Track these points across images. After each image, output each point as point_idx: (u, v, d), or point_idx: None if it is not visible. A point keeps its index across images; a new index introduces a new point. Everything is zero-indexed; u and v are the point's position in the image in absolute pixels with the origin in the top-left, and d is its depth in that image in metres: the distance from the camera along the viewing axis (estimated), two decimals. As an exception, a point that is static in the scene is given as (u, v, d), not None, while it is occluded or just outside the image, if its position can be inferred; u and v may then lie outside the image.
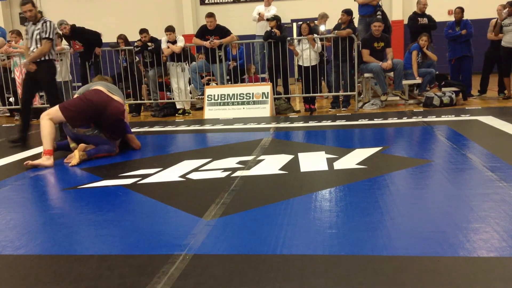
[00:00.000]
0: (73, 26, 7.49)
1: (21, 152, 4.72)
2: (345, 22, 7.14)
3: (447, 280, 1.69)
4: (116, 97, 4.33)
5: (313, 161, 3.66)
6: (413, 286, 1.66)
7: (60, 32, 7.34)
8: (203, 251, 2.04)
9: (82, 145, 4.07)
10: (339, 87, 7.38)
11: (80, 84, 8.01)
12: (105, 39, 7.85)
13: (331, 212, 2.47)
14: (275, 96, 7.21)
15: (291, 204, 2.64)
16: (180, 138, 5.44)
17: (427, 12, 7.83)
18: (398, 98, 7.38)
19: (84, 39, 7.55)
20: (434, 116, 5.78)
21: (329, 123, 5.75)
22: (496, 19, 7.56)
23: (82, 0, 14.13)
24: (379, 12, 7.35)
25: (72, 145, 4.17)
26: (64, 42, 8.21)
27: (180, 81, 7.54)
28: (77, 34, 7.51)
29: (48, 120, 4.09)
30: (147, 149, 4.83)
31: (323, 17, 8.66)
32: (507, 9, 7.16)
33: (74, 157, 3.96)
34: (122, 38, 7.86)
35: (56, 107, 4.15)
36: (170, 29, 7.42)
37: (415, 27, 7.81)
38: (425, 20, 7.73)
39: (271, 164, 3.63)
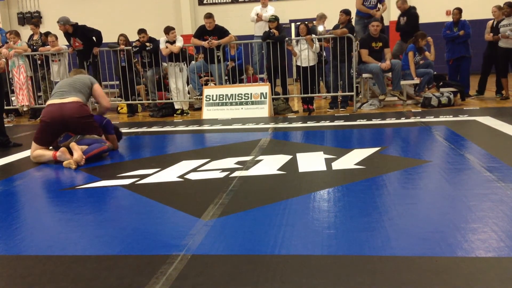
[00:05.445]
0: (75, 24, 7.52)
1: (19, 153, 4.71)
2: (343, 22, 7.15)
3: (445, 280, 1.69)
4: (69, 99, 4.23)
5: (311, 162, 3.66)
6: (412, 286, 1.66)
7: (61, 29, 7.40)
8: (202, 252, 2.04)
9: (77, 153, 4.03)
10: (337, 88, 7.38)
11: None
12: (103, 39, 7.84)
13: (329, 213, 2.47)
14: (274, 96, 7.21)
15: (290, 204, 2.64)
16: (179, 138, 5.43)
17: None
18: (396, 98, 7.39)
19: (86, 37, 7.56)
20: (432, 117, 5.79)
21: (327, 123, 5.75)
22: (492, 20, 7.59)
23: (80, 0, 14.11)
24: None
25: (66, 162, 4.09)
26: (62, 42, 8.21)
27: (178, 81, 7.54)
28: (79, 32, 7.53)
29: (33, 153, 4.22)
30: (145, 149, 4.83)
31: (322, 18, 8.66)
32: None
33: (71, 163, 3.93)
34: (124, 36, 7.87)
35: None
36: (170, 29, 7.43)
37: (396, 27, 7.92)
38: (404, 20, 7.73)
39: (270, 165, 3.63)
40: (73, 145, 4.08)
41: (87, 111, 4.31)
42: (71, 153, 4.05)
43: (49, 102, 4.36)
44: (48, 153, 4.15)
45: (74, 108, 4.17)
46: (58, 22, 7.43)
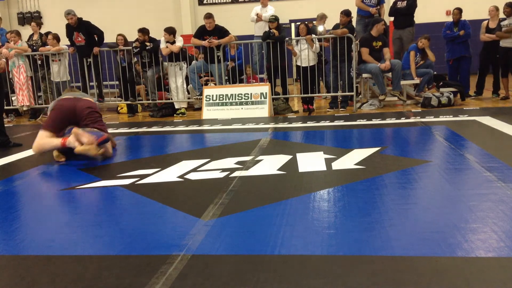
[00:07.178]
0: (80, 19, 7.55)
1: (19, 153, 4.71)
2: (344, 23, 7.16)
3: (445, 280, 1.69)
4: (85, 98, 4.57)
5: (311, 162, 3.66)
6: (412, 286, 1.66)
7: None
8: (202, 252, 2.04)
9: (85, 136, 4.05)
10: (337, 88, 7.38)
11: (79, 84, 8.02)
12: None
13: (329, 213, 2.47)
14: (274, 96, 7.22)
15: (290, 204, 2.64)
16: (179, 138, 5.43)
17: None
18: (396, 98, 7.39)
19: (88, 33, 7.57)
20: (432, 117, 5.79)
21: (327, 123, 5.75)
22: (487, 21, 7.59)
23: (80, 0, 14.11)
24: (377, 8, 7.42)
25: (62, 159, 4.17)
26: (62, 42, 8.20)
27: (178, 80, 7.54)
28: (83, 26, 7.54)
29: (39, 141, 4.24)
30: (145, 149, 4.83)
31: (322, 18, 8.66)
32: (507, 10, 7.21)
33: (90, 150, 3.95)
34: (122, 36, 7.88)
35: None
36: (170, 31, 7.43)
37: (391, 11, 7.87)
38: (403, 4, 7.70)
39: (270, 165, 3.63)
40: (76, 130, 4.06)
41: (98, 108, 4.56)
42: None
43: (63, 96, 4.57)
44: (56, 140, 4.17)
45: (87, 102, 4.42)
46: (69, 13, 7.45)
